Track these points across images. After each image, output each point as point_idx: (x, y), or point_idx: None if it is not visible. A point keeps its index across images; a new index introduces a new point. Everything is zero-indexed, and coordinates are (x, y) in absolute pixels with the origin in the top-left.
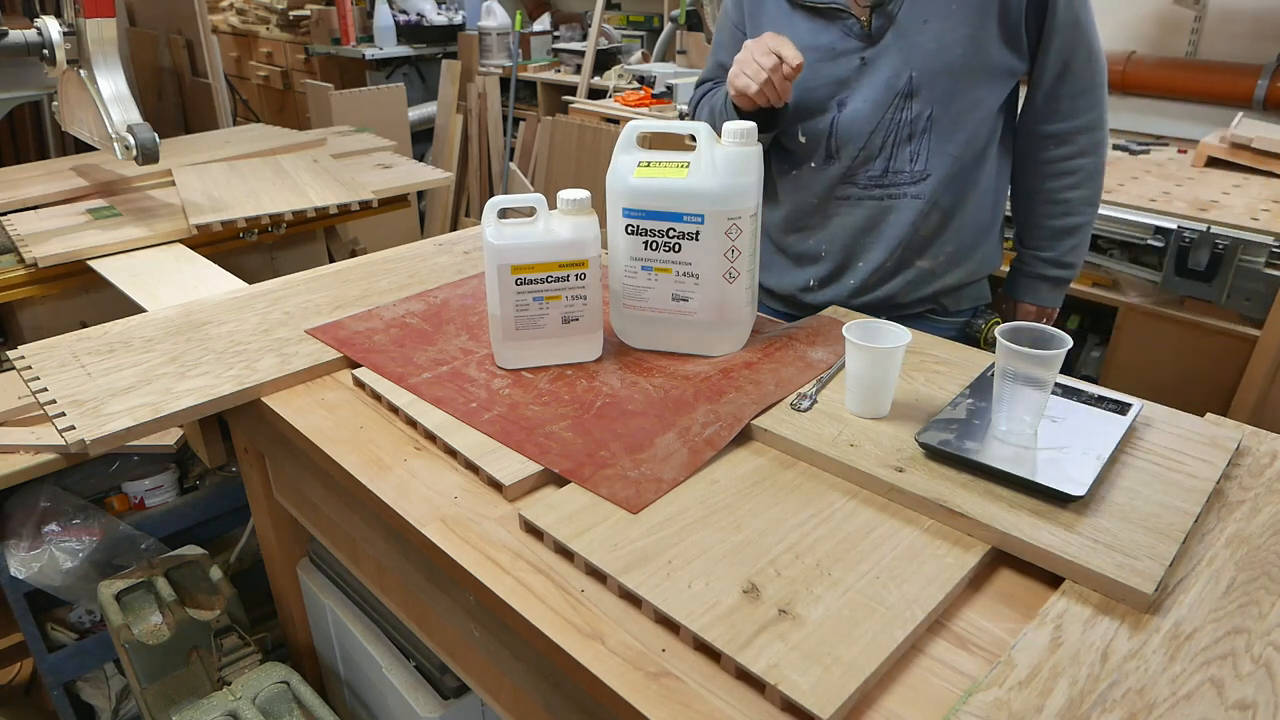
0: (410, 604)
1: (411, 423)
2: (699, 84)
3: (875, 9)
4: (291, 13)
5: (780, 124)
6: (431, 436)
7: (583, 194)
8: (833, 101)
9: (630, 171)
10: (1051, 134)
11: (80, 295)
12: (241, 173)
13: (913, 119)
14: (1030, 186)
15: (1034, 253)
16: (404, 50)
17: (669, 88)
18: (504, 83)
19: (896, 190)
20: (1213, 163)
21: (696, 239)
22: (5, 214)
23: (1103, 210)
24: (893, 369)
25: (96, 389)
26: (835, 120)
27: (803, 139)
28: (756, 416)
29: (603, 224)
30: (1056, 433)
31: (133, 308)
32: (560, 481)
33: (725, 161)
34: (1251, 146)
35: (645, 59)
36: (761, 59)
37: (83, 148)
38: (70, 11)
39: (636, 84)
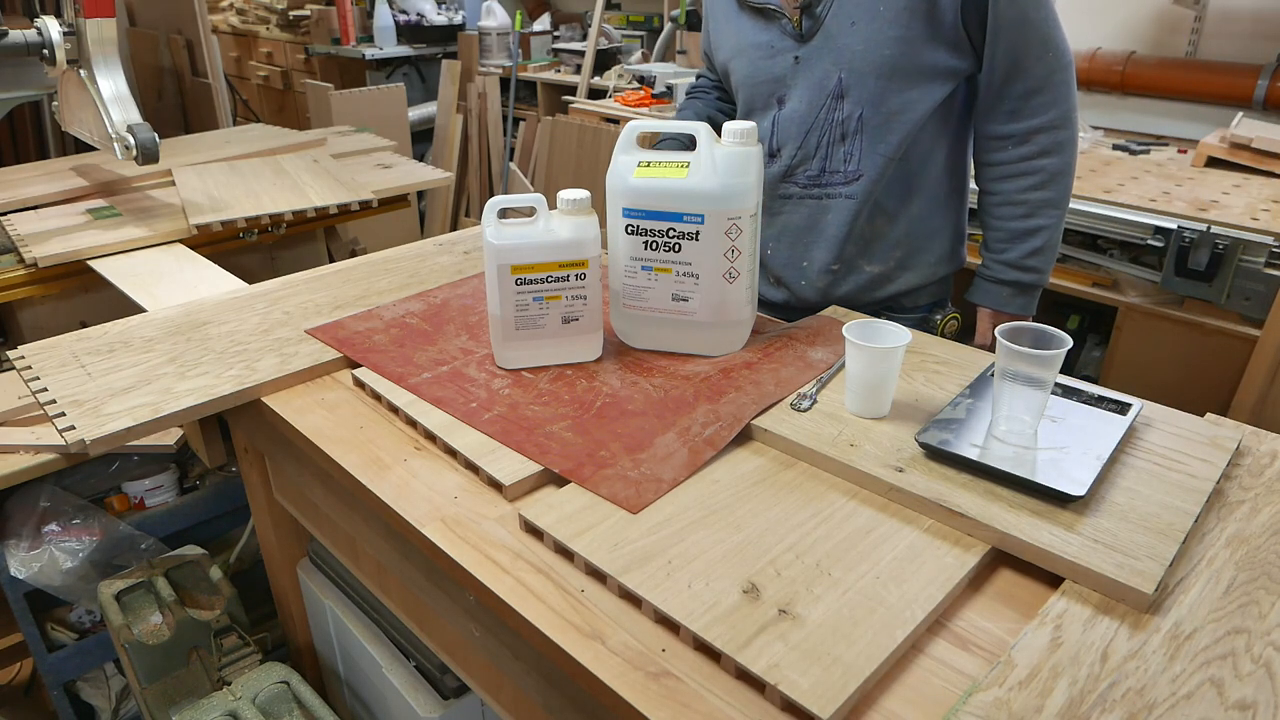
0: (410, 604)
1: (411, 423)
2: (698, 78)
3: (804, 10)
4: (291, 13)
5: None
6: (431, 436)
7: (583, 194)
8: (773, 99)
9: (630, 171)
10: (1007, 134)
11: (80, 295)
12: (241, 173)
13: (844, 119)
14: (989, 188)
15: (993, 255)
16: (404, 50)
17: (669, 88)
18: (504, 83)
19: (832, 190)
20: (1213, 163)
21: (696, 239)
22: (5, 214)
23: (1103, 210)
24: (893, 369)
25: (96, 389)
26: (776, 118)
27: None
28: (756, 416)
29: (603, 224)
30: (1056, 433)
31: (133, 308)
32: (560, 481)
33: (725, 161)
34: (1251, 146)
35: (645, 59)
36: None
37: (83, 148)
38: (70, 11)
39: (636, 84)
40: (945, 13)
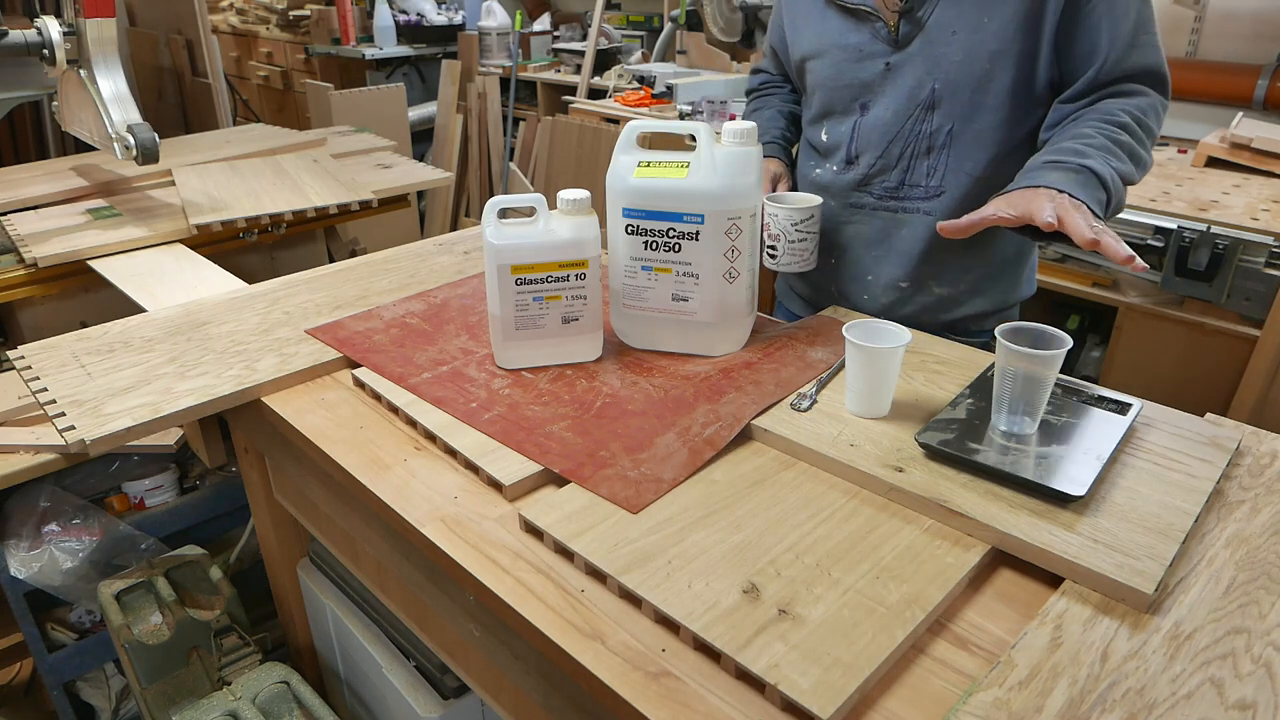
0: (410, 604)
1: (411, 423)
2: (754, 71)
3: (904, 15)
4: (291, 13)
5: None
6: (431, 436)
7: (583, 194)
8: (856, 104)
9: (630, 171)
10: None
11: (80, 295)
12: (241, 173)
13: (932, 132)
14: (1077, 114)
15: (1064, 148)
16: (404, 50)
17: (669, 88)
18: (504, 83)
19: (910, 205)
20: (1213, 163)
21: (696, 239)
22: (5, 214)
23: None
24: (893, 369)
25: (96, 389)
26: (858, 124)
27: (825, 138)
28: (756, 416)
29: (603, 224)
30: (1056, 433)
31: (133, 308)
32: (560, 481)
33: (725, 161)
34: (1251, 146)
35: (645, 59)
36: None
37: (83, 148)
38: (70, 11)
39: (636, 84)
40: (1048, 27)
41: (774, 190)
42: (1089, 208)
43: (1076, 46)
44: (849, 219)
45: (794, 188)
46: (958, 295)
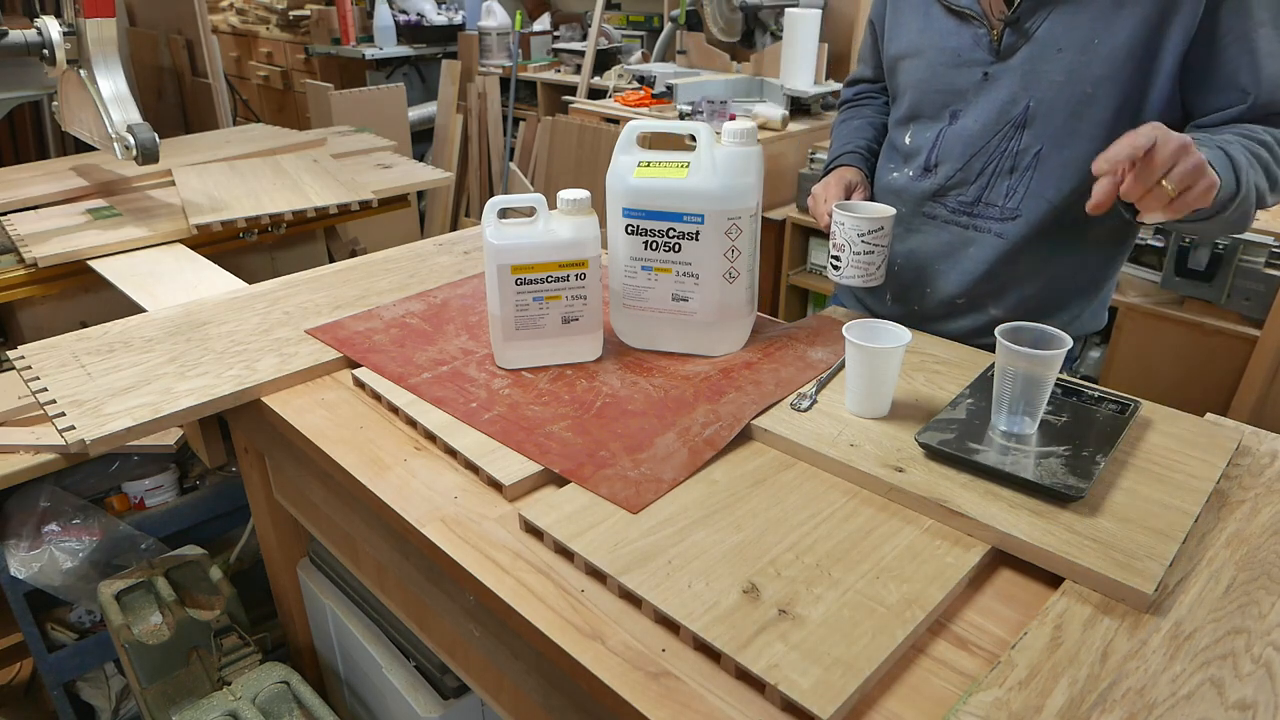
0: (410, 604)
1: (411, 423)
2: (849, 82)
3: (1010, 24)
4: (291, 13)
5: None
6: (431, 436)
7: (583, 194)
8: (946, 111)
9: (630, 171)
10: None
11: (80, 295)
12: (241, 173)
13: (1019, 151)
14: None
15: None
16: (404, 50)
17: (669, 88)
18: (504, 83)
19: (982, 224)
20: None
21: (696, 239)
22: (5, 214)
23: None
24: (892, 369)
25: (96, 389)
26: (943, 133)
27: (908, 141)
28: (756, 416)
29: (603, 224)
30: (1056, 433)
31: (133, 308)
32: (560, 481)
33: (725, 161)
34: None
35: (645, 59)
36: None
37: (83, 148)
38: (70, 11)
39: (636, 84)
40: (1165, 61)
41: (848, 199)
42: (1212, 167)
43: (1211, 83)
44: (918, 227)
45: (872, 199)
46: (1013, 319)
